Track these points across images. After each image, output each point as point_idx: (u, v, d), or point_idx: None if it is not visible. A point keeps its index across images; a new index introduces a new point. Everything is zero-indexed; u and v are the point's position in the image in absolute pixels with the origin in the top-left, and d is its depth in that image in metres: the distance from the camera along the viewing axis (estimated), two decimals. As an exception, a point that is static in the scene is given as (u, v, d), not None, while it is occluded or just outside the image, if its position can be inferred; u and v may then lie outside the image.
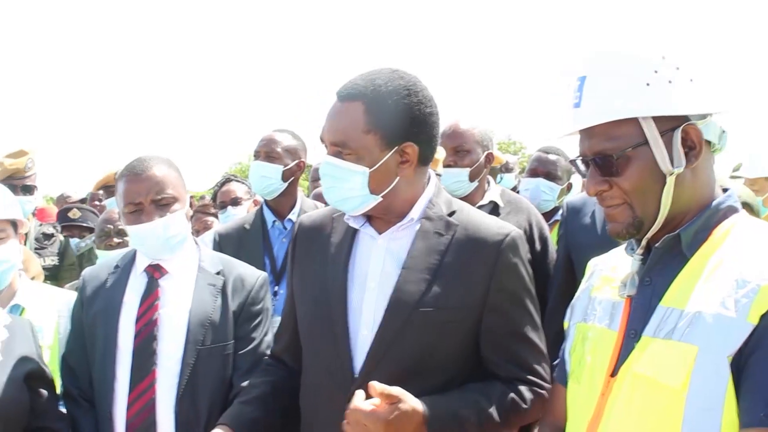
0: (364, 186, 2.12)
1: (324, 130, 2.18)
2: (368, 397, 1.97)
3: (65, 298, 3.06)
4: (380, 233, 2.22)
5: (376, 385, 1.93)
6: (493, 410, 2.10)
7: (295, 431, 2.36)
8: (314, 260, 2.30)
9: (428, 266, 2.14)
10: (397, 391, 1.96)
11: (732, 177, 6.12)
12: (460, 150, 3.62)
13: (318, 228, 2.35)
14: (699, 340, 1.49)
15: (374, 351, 2.12)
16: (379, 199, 2.14)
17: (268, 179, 3.93)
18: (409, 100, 2.13)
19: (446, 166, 3.62)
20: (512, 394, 2.15)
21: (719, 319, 1.47)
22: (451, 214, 2.22)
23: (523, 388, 2.17)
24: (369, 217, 2.24)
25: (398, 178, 2.16)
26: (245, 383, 2.58)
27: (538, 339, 2.23)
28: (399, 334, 2.11)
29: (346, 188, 2.13)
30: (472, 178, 3.67)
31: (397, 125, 2.11)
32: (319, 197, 4.57)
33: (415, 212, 2.19)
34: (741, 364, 1.44)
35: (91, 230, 6.19)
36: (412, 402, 1.97)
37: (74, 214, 6.27)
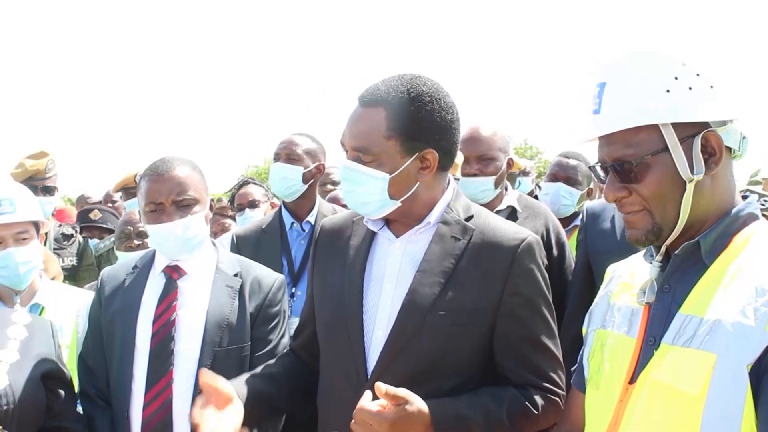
0: (383, 191, 2.13)
1: (345, 135, 2.19)
2: (376, 397, 1.98)
3: (84, 298, 3.10)
4: (398, 236, 2.23)
5: (381, 386, 1.94)
6: (502, 414, 2.11)
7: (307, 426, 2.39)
8: (334, 262, 2.32)
9: (443, 270, 2.15)
10: (403, 392, 1.97)
11: (751, 183, 6.08)
12: (485, 158, 3.57)
13: (338, 231, 2.38)
14: (718, 348, 1.48)
15: (387, 352, 2.14)
16: (398, 204, 2.16)
17: (290, 180, 3.95)
18: (431, 106, 2.13)
19: (471, 175, 3.58)
20: (523, 400, 2.15)
21: (738, 328, 1.46)
22: (469, 218, 2.23)
23: (535, 394, 2.17)
24: (387, 220, 2.26)
25: (418, 183, 2.17)
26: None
27: (553, 345, 2.23)
28: (412, 337, 2.12)
29: (365, 193, 2.15)
30: (496, 186, 3.67)
31: (419, 132, 2.13)
32: (334, 200, 4.58)
33: (433, 216, 2.21)
34: (760, 373, 1.43)
35: (110, 231, 6.23)
36: (418, 403, 1.99)
37: (95, 215, 6.32)
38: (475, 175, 3.57)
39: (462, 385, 2.15)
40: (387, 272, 2.21)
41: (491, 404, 2.11)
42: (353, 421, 1.98)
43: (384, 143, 2.11)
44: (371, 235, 2.28)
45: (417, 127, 2.12)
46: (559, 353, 2.24)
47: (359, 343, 2.18)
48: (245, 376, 2.37)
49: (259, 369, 2.44)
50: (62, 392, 2.58)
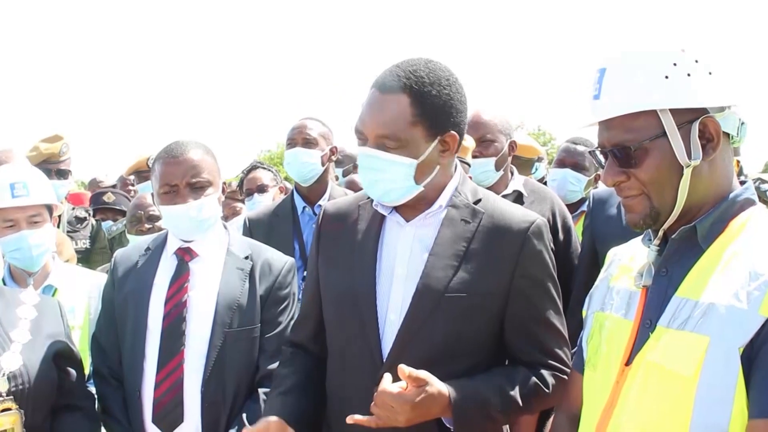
0: (409, 177, 2.15)
1: (363, 123, 2.17)
2: (395, 379, 2.01)
3: (96, 280, 3.15)
4: (408, 220, 2.25)
5: (404, 368, 1.97)
6: (516, 394, 2.14)
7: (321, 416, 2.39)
8: (341, 247, 2.32)
9: (455, 252, 2.18)
10: (424, 374, 2.01)
11: (766, 170, 6.08)
12: (485, 140, 3.59)
13: (343, 215, 2.38)
14: (711, 330, 1.50)
15: (402, 336, 2.16)
16: (421, 188, 2.18)
17: (310, 165, 3.98)
18: (449, 90, 2.16)
19: (472, 156, 3.61)
20: (535, 379, 2.19)
21: (731, 311, 1.49)
22: (477, 202, 2.25)
23: (545, 373, 2.21)
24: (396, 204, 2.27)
25: (438, 167, 2.20)
26: (272, 367, 2.62)
27: (560, 324, 2.26)
28: (427, 320, 2.15)
29: (390, 180, 2.16)
30: (497, 168, 3.67)
31: (441, 115, 2.15)
32: (351, 184, 4.57)
33: (443, 200, 2.23)
34: (752, 356, 1.46)
35: (124, 214, 6.28)
36: (438, 385, 2.02)
37: (109, 197, 6.35)
38: (475, 157, 3.59)
39: (475, 366, 2.19)
40: (398, 256, 2.23)
41: (506, 385, 2.15)
42: (373, 403, 2.02)
43: (410, 129, 2.12)
44: (380, 220, 2.30)
45: (439, 111, 2.14)
46: (565, 332, 2.27)
47: (373, 326, 2.19)
48: (278, 398, 2.36)
49: (284, 384, 2.39)
50: (72, 371, 2.63)
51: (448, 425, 2.12)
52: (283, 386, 2.38)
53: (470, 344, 2.19)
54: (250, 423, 2.54)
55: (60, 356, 2.57)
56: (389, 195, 2.19)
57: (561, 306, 2.29)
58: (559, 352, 2.24)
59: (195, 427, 2.62)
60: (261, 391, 2.67)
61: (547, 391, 2.19)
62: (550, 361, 2.22)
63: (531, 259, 2.20)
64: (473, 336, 2.19)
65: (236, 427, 2.60)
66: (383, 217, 2.29)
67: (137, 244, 3.00)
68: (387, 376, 2.03)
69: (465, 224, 2.21)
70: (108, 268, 2.99)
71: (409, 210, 2.24)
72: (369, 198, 2.34)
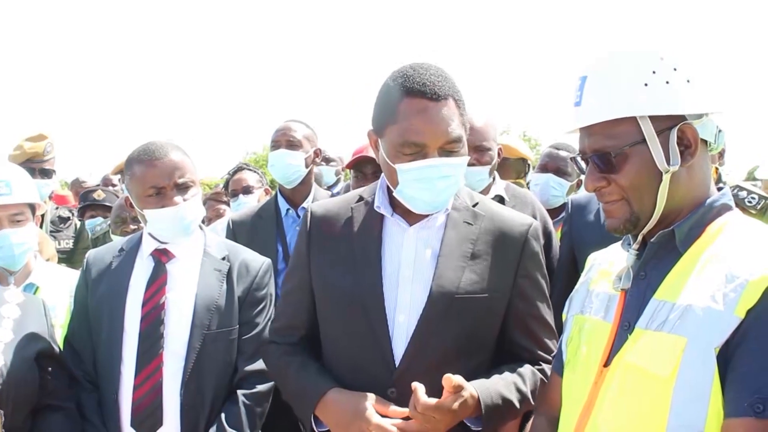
0: (462, 176, 2.24)
1: (424, 134, 2.13)
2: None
3: (77, 278, 3.12)
4: (410, 223, 2.27)
5: (451, 378, 2.02)
6: (527, 390, 2.23)
7: None
8: (338, 249, 2.31)
9: (463, 254, 2.23)
10: (460, 379, 2.05)
11: (748, 178, 6.13)
12: (482, 148, 3.53)
13: (335, 217, 2.36)
14: (688, 332, 1.52)
15: (417, 338, 2.18)
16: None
17: (294, 167, 4.00)
18: (460, 89, 2.22)
19: (468, 165, 3.52)
20: (539, 375, 2.29)
21: (708, 312, 1.51)
22: (474, 205, 2.32)
23: (545, 367, 2.28)
24: (394, 206, 2.29)
25: None
26: (250, 368, 2.64)
27: (551, 318, 2.35)
28: (440, 321, 2.18)
29: (453, 184, 2.21)
30: (490, 174, 3.67)
31: (466, 114, 2.23)
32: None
33: (448, 203, 2.28)
34: (727, 356, 1.48)
35: None
36: (470, 388, 2.08)
37: (99, 195, 6.32)
38: (471, 165, 3.49)
39: (481, 364, 2.26)
40: (403, 258, 2.24)
41: (519, 382, 2.23)
42: (414, 414, 2.04)
43: (461, 131, 2.18)
44: (380, 222, 2.30)
45: (466, 112, 2.23)
46: (554, 324, 2.36)
47: (383, 328, 2.20)
48: (321, 372, 2.31)
49: (313, 362, 2.35)
50: (54, 371, 2.61)
51: (469, 424, 2.17)
52: (310, 364, 2.33)
53: (477, 343, 2.26)
54: (229, 425, 2.55)
55: (42, 356, 2.56)
56: (450, 199, 2.27)
57: (550, 301, 2.39)
58: (553, 346, 2.32)
59: (174, 429, 2.60)
60: (239, 392, 2.66)
61: (545, 388, 2.24)
62: (547, 356, 2.30)
63: (530, 260, 2.30)
64: (480, 335, 2.26)
65: (215, 429, 2.60)
66: (382, 219, 2.30)
67: (110, 244, 2.99)
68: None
69: (468, 226, 2.27)
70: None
71: (411, 213, 2.25)
72: (361, 200, 2.35)
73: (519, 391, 2.21)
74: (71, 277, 3.20)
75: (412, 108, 2.13)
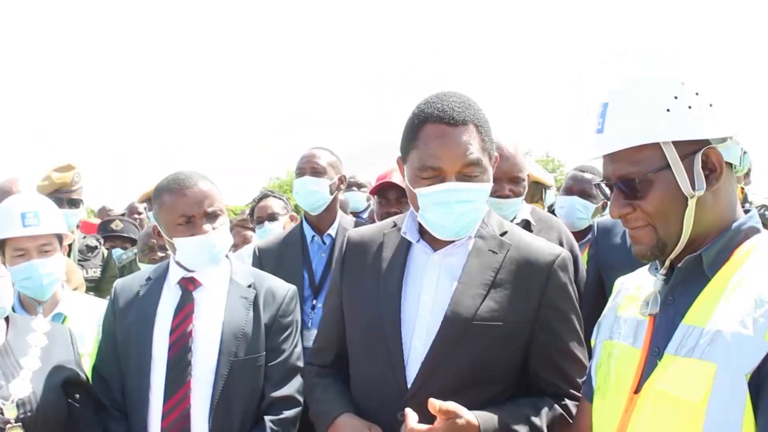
0: (485, 202, 2.25)
1: (441, 158, 2.15)
2: (420, 409, 2.05)
3: (105, 307, 3.14)
4: (435, 249, 2.27)
5: (434, 402, 2.00)
6: (542, 424, 2.16)
7: None
8: (366, 274, 2.34)
9: (483, 282, 2.21)
10: (453, 406, 2.03)
11: (773, 197, 6.07)
12: (517, 180, 3.46)
13: (368, 243, 2.40)
14: (718, 358, 1.51)
15: (428, 362, 2.17)
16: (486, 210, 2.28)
17: (318, 194, 3.99)
18: (485, 116, 2.24)
19: (504, 196, 3.41)
20: (559, 409, 2.22)
21: (738, 338, 1.49)
22: (503, 234, 2.30)
23: (569, 404, 2.23)
24: (422, 233, 2.30)
25: None
26: (277, 395, 2.65)
27: (583, 356, 2.29)
28: (454, 347, 2.16)
29: (473, 210, 2.21)
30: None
31: (490, 140, 2.23)
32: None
33: (473, 230, 2.27)
34: (759, 382, 1.46)
35: (132, 241, 6.29)
36: (467, 416, 2.04)
37: (116, 225, 6.38)
38: (507, 196, 3.42)
39: (499, 395, 2.21)
40: (425, 284, 2.25)
41: (532, 415, 2.17)
42: None
43: (484, 156, 2.18)
44: (407, 248, 2.32)
45: (490, 137, 2.23)
46: (587, 363, 2.26)
47: (398, 352, 2.21)
48: (343, 394, 2.35)
49: (336, 386, 2.38)
50: (82, 398, 2.63)
51: None
52: (333, 387, 2.38)
53: (495, 372, 2.21)
54: None
55: (69, 384, 2.58)
56: (469, 226, 2.25)
57: (583, 336, 2.31)
58: (580, 381, 2.25)
59: (203, 456, 2.62)
60: (267, 418, 2.66)
61: (571, 421, 2.20)
62: (574, 392, 2.24)
63: (556, 291, 2.25)
64: (498, 364, 2.21)
65: None
66: (410, 245, 2.32)
67: (138, 273, 3.01)
68: (411, 413, 2.05)
69: (492, 254, 2.25)
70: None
71: (436, 239, 2.26)
72: (394, 226, 2.38)
73: (531, 423, 2.15)
74: (99, 306, 3.23)
75: (431, 133, 2.16)
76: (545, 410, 2.19)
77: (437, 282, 2.24)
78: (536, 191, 5.08)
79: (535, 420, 2.16)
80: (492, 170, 2.25)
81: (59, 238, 3.15)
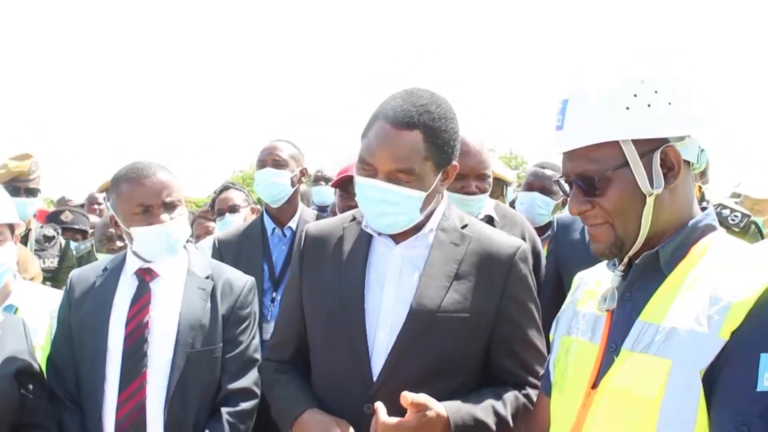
0: (416, 209, 2.20)
1: (374, 155, 2.17)
2: (388, 401, 2.06)
3: (58, 299, 3.06)
4: (397, 242, 2.28)
5: (407, 396, 2.01)
6: (507, 413, 2.20)
7: None
8: (327, 267, 2.34)
9: (446, 273, 2.23)
10: (424, 398, 2.05)
11: (733, 195, 6.14)
12: (485, 177, 3.48)
13: (328, 236, 2.40)
14: (673, 354, 1.52)
15: (394, 354, 2.19)
16: (421, 217, 2.24)
17: (279, 186, 3.99)
18: (452, 124, 2.22)
19: (471, 193, 3.43)
20: (523, 399, 2.26)
21: (692, 335, 1.51)
22: (464, 227, 2.32)
23: (531, 392, 2.26)
24: None
25: (438, 195, 2.27)
26: (234, 386, 2.65)
27: (541, 344, 2.33)
28: (419, 339, 2.18)
29: (401, 212, 2.19)
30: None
31: (448, 149, 2.21)
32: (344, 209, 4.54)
33: (434, 223, 2.29)
34: (712, 379, 1.47)
35: (82, 233, 6.20)
36: (437, 408, 2.07)
37: (66, 216, 6.28)
38: (474, 193, 3.44)
39: (463, 386, 2.23)
40: (387, 276, 2.26)
41: (498, 405, 2.21)
42: None
43: (423, 164, 2.15)
44: (367, 241, 2.33)
45: (446, 145, 2.20)
46: (546, 352, 2.32)
47: (362, 345, 2.21)
48: (306, 391, 2.34)
49: (295, 382, 2.37)
50: (35, 389, 2.60)
51: None
52: (294, 383, 2.36)
53: (459, 363, 2.24)
54: None
55: (22, 374, 2.54)
56: (395, 226, 2.23)
57: (541, 326, 2.36)
58: (541, 370, 2.29)
59: (158, 448, 2.59)
60: (223, 410, 2.66)
61: (533, 409, 2.23)
62: (534, 380, 2.28)
63: (517, 283, 2.28)
64: (462, 355, 2.24)
65: None
66: (371, 237, 2.32)
67: (94, 264, 2.98)
68: (381, 407, 2.06)
69: (454, 247, 2.27)
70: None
71: (399, 232, 2.27)
72: (354, 220, 2.39)
73: (497, 413, 2.19)
74: (51, 297, 3.17)
75: (377, 129, 2.18)
76: (509, 400, 2.23)
77: (400, 274, 2.25)
78: (497, 187, 5.09)
79: (501, 410, 2.19)
80: (439, 177, 2.22)
81: (11, 227, 3.05)
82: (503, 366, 2.30)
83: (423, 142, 2.15)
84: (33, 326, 2.84)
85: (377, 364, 2.20)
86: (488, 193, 3.53)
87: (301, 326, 2.39)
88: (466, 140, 3.22)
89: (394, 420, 2.03)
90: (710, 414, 1.48)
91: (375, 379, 2.19)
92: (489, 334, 2.26)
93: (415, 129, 2.14)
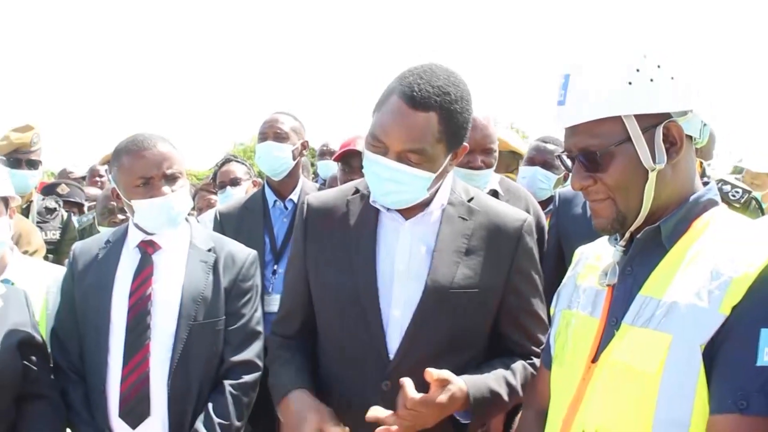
0: (424, 188, 2.18)
1: (387, 134, 2.13)
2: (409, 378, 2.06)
3: (54, 274, 3.05)
4: (406, 218, 2.27)
5: (432, 372, 2.03)
6: (517, 384, 2.25)
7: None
8: (335, 242, 2.32)
9: (457, 249, 2.24)
10: (446, 374, 2.06)
11: (734, 171, 6.15)
12: (492, 151, 3.47)
13: (331, 209, 2.37)
14: (673, 328, 1.53)
15: (411, 331, 2.20)
16: (427, 195, 2.22)
17: (281, 159, 3.99)
18: (468, 107, 2.19)
19: (476, 168, 3.43)
20: (531, 369, 2.31)
21: (693, 310, 1.51)
22: (470, 200, 2.32)
23: (537, 361, 2.28)
24: None
25: (447, 174, 2.27)
26: (236, 359, 2.66)
27: (545, 314, 2.35)
28: (435, 315, 2.19)
29: (408, 191, 2.17)
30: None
31: (460, 131, 2.18)
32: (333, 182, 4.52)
33: (443, 198, 2.29)
34: (712, 353, 1.48)
35: (78, 205, 6.18)
36: (458, 382, 2.09)
37: (62, 189, 6.24)
38: (479, 167, 3.43)
39: (474, 358, 2.28)
40: (398, 252, 2.25)
41: (509, 375, 2.25)
42: (401, 410, 2.03)
43: (435, 146, 2.12)
44: (375, 216, 2.31)
45: (460, 128, 2.17)
46: (548, 321, 2.34)
47: (377, 323, 2.22)
48: (301, 372, 2.32)
49: (297, 362, 2.36)
50: (37, 360, 2.61)
51: (458, 418, 2.19)
52: (293, 362, 2.36)
53: (470, 337, 2.27)
54: (216, 414, 2.58)
55: (25, 345, 2.55)
56: (400, 203, 2.22)
57: (543, 296, 2.39)
58: (545, 340, 2.30)
59: (162, 420, 2.62)
60: (226, 382, 2.68)
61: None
62: (539, 350, 2.30)
63: (524, 256, 2.31)
64: (473, 329, 2.28)
65: (202, 419, 2.61)
66: (377, 212, 2.30)
67: (96, 236, 2.98)
68: (409, 383, 2.05)
69: (463, 221, 2.28)
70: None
71: (408, 208, 2.26)
72: (356, 192, 2.36)
73: (509, 384, 2.22)
74: (48, 272, 3.13)
75: (391, 106, 2.13)
76: (518, 370, 2.28)
77: (410, 250, 2.25)
78: (512, 161, 5.05)
79: (512, 380, 2.24)
80: (449, 158, 2.20)
81: (5, 201, 3.00)
82: (510, 337, 2.33)
83: (438, 125, 2.11)
84: None
85: (393, 341, 2.21)
86: (494, 167, 3.51)
87: (305, 298, 2.38)
88: (473, 114, 3.20)
89: (420, 395, 2.03)
90: (710, 388, 1.49)
91: (392, 357, 2.21)
92: (498, 308, 2.28)
93: (431, 110, 2.10)
